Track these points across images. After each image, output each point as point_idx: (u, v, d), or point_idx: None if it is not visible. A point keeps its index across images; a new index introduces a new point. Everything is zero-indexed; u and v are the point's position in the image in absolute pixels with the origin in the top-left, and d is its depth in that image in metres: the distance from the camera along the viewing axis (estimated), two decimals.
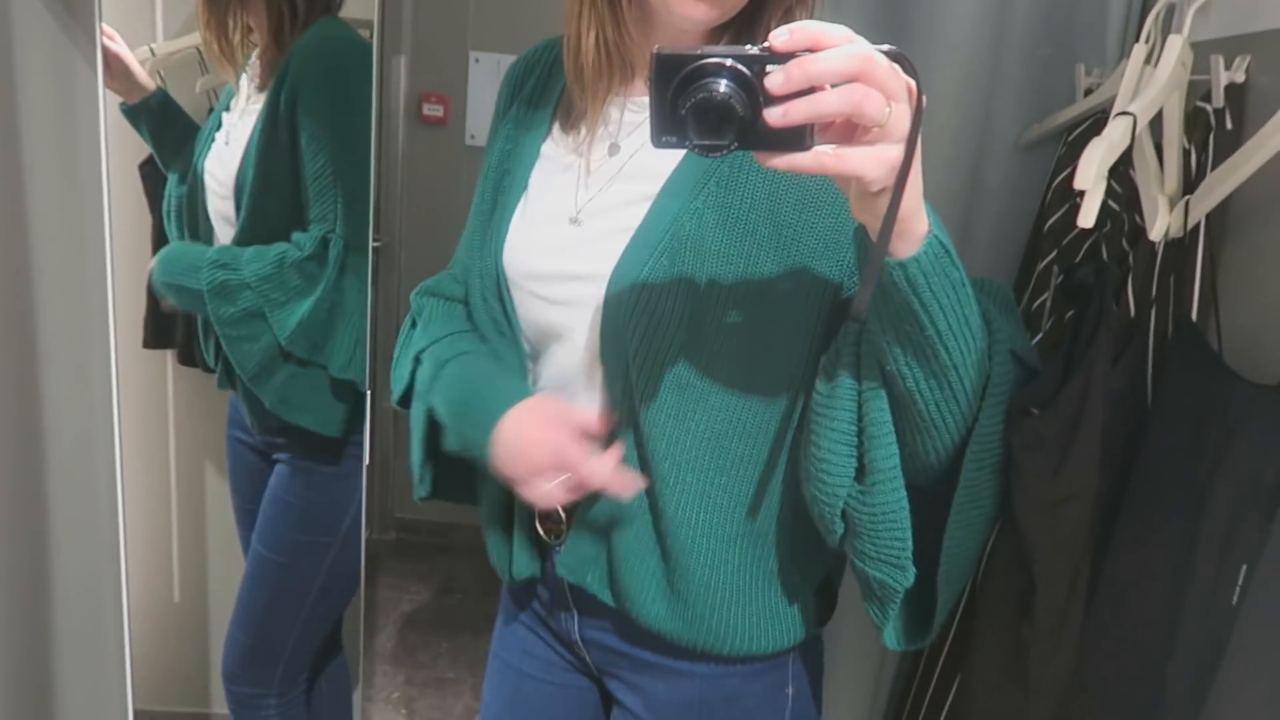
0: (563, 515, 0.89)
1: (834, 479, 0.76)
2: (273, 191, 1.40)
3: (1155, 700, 0.79)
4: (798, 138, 0.58)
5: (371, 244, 1.46)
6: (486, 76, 2.87)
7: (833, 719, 1.35)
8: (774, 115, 0.57)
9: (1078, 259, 1.11)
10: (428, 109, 2.87)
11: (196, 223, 1.49)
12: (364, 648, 1.86)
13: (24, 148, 0.96)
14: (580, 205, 0.85)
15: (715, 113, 0.58)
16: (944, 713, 1.16)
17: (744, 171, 0.80)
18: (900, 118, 0.58)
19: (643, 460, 0.85)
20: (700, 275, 0.79)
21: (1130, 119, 0.77)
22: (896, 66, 0.58)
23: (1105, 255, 1.02)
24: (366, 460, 1.52)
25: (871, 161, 0.59)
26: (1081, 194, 0.81)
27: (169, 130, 1.49)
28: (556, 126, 0.91)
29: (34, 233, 0.98)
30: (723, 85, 0.57)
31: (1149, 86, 0.81)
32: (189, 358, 1.68)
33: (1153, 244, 0.89)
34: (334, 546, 1.56)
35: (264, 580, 1.56)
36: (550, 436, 0.82)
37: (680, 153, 0.80)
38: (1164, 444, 0.81)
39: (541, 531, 0.92)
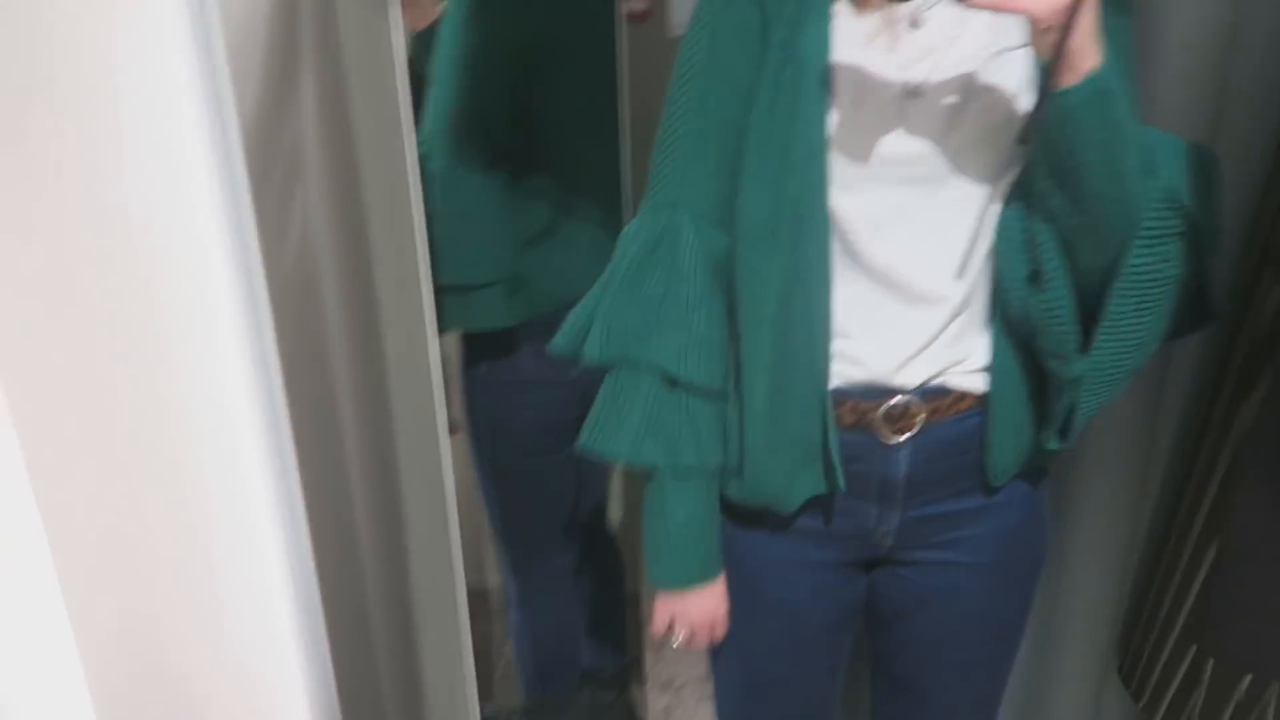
0: (921, 409, 0.95)
1: (1009, 279, 0.88)
2: None
3: None
4: None
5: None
6: None
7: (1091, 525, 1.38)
8: None
9: None
10: (631, 3, 2.90)
11: None
12: None
13: (352, 95, 1.11)
14: (914, 80, 0.87)
15: None
16: (1197, 586, 1.17)
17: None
18: None
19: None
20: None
21: None
22: None
23: None
24: None
25: (1040, 3, 0.70)
26: None
27: None
28: (842, 3, 0.88)
29: (365, 171, 1.15)
30: None
31: None
32: None
33: None
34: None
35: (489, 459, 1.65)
36: (714, 623, 1.03)
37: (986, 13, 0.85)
38: None
39: (890, 433, 0.96)
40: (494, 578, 1.94)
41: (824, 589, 1.07)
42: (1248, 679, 1.11)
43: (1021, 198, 0.88)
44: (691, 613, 1.03)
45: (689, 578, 1.02)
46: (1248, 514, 1.00)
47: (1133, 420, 1.32)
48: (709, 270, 0.94)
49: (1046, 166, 0.81)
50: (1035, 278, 0.87)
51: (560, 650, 1.85)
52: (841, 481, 0.96)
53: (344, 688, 0.87)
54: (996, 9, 0.72)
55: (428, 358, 1.30)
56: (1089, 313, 0.89)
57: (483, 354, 1.54)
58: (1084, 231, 0.84)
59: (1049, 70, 0.74)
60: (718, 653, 1.13)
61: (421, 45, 1.41)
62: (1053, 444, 0.97)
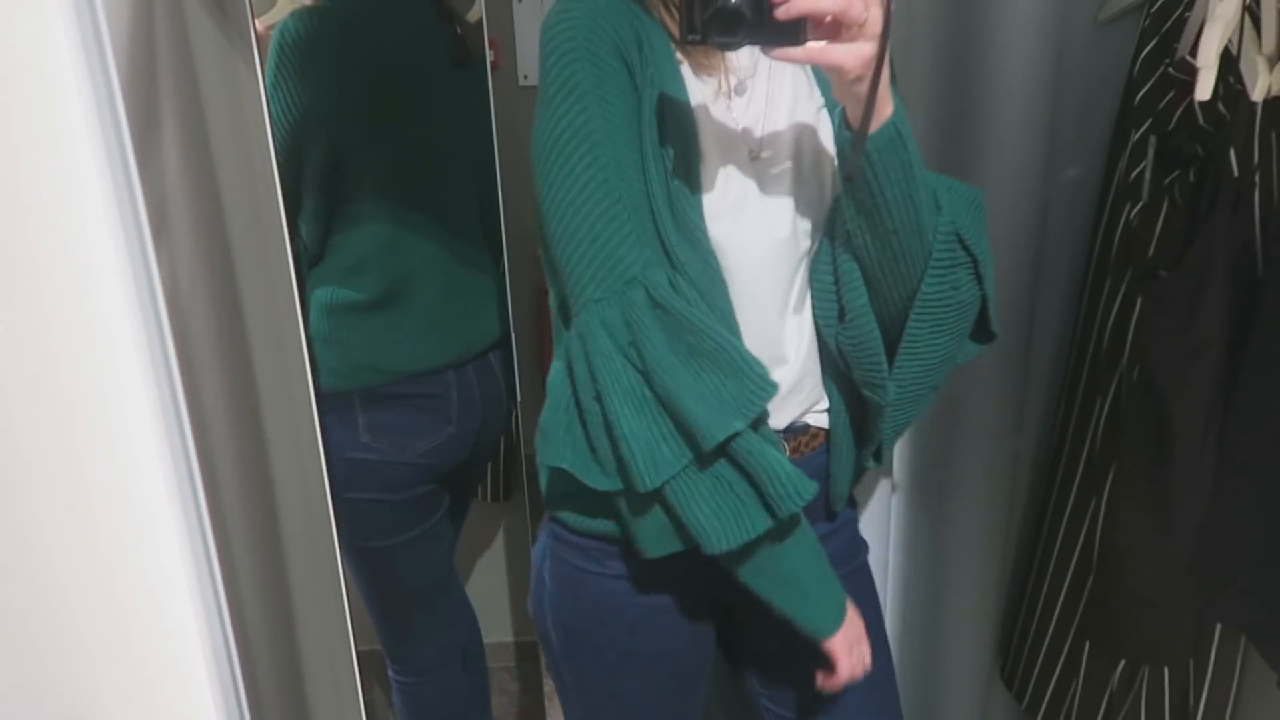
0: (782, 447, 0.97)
1: (823, 318, 0.95)
2: None
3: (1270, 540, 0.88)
4: (794, 34, 0.73)
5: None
6: (531, 17, 2.90)
7: (966, 538, 1.45)
8: (777, 12, 0.72)
9: (1171, 127, 1.16)
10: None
11: None
12: None
13: (212, 141, 1.08)
14: (753, 142, 0.92)
15: (730, 16, 0.73)
16: (1079, 546, 1.25)
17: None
18: (875, 20, 0.74)
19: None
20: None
21: None
22: None
23: (1201, 120, 1.07)
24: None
25: (850, 55, 0.75)
26: (1183, 69, 0.87)
27: None
28: (686, 71, 0.91)
29: (229, 214, 1.11)
30: None
31: None
32: None
33: (1253, 105, 0.94)
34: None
35: None
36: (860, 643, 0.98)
37: (794, 83, 0.94)
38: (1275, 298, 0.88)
39: None
40: None
41: (697, 632, 1.07)
42: (1120, 666, 1.19)
43: (826, 243, 0.94)
44: (858, 635, 0.98)
45: (843, 602, 0.96)
46: (1114, 506, 1.08)
47: (997, 436, 1.41)
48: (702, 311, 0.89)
49: (855, 206, 0.87)
50: (841, 315, 0.94)
51: None
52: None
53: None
54: (811, 63, 0.76)
55: (310, 411, 1.25)
56: (892, 344, 0.95)
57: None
58: (887, 264, 0.90)
59: (859, 118, 0.79)
60: (594, 710, 1.09)
61: None
62: (869, 464, 1.05)
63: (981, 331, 1.02)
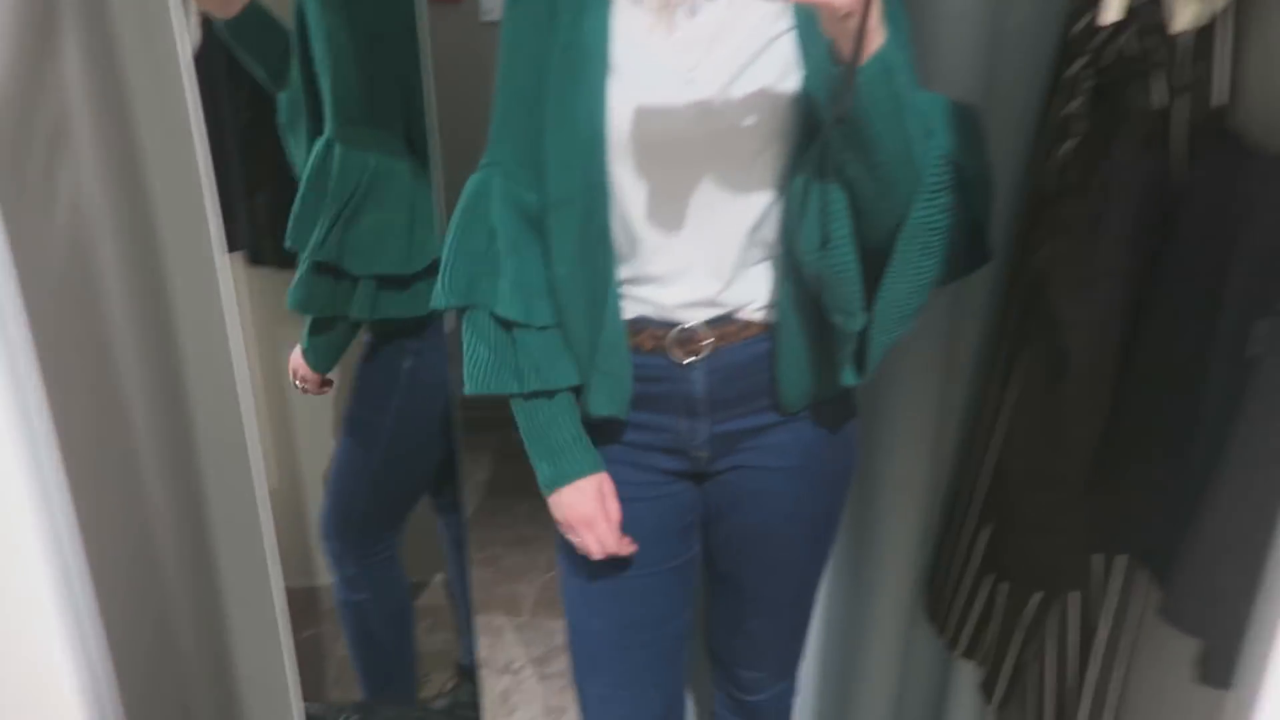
0: (708, 335, 1.07)
1: (806, 243, 0.97)
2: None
3: (1183, 450, 0.89)
4: None
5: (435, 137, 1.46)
6: None
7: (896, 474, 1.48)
8: None
9: (1106, 63, 1.14)
10: None
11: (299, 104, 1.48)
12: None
13: (123, 56, 1.03)
14: (689, 65, 0.97)
15: None
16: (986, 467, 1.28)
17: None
18: None
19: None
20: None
21: None
22: None
23: (1135, 51, 1.05)
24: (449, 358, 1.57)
25: None
26: None
27: (272, 40, 1.47)
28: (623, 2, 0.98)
29: (142, 133, 1.07)
30: None
31: None
32: (257, 257, 1.77)
33: (1184, 34, 0.93)
34: (387, 425, 1.61)
35: (340, 441, 1.67)
36: (597, 516, 1.11)
37: (757, 5, 0.96)
38: (1192, 221, 0.88)
39: (678, 355, 1.08)
40: (324, 577, 1.87)
41: (656, 494, 1.18)
42: (1034, 600, 1.21)
43: (814, 171, 0.95)
44: (565, 512, 1.13)
45: (554, 479, 1.12)
46: (1012, 429, 1.09)
47: (926, 382, 1.42)
48: (517, 223, 1.06)
49: (844, 139, 0.88)
50: (825, 242, 0.95)
51: (395, 642, 1.82)
52: (628, 396, 1.10)
53: (141, 690, 0.81)
54: (805, 0, 0.77)
55: (226, 343, 1.23)
56: (874, 271, 0.98)
57: (406, 349, 1.57)
58: (878, 195, 0.92)
59: (849, 52, 0.81)
60: (564, 560, 1.22)
61: (234, 33, 1.43)
62: (849, 379, 1.06)
63: (976, 252, 1.07)
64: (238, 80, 1.61)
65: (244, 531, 1.35)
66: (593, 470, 1.12)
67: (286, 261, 1.74)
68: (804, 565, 1.26)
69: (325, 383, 1.61)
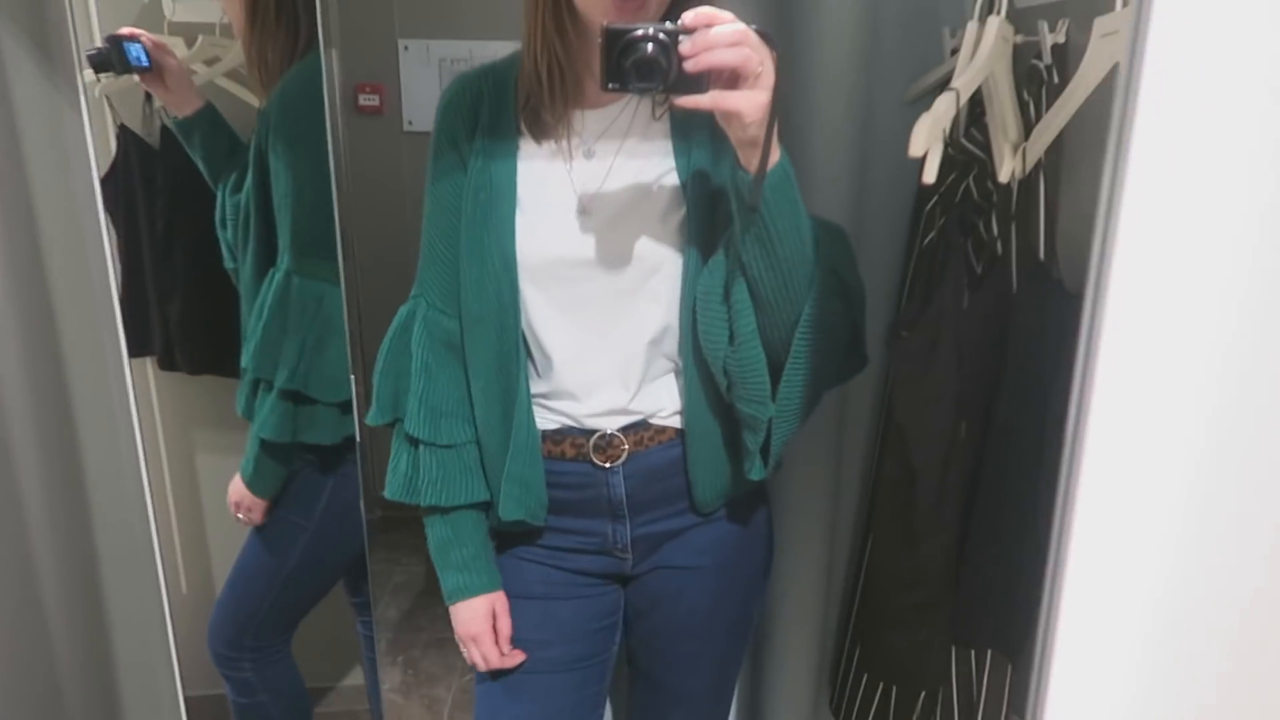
0: (624, 441, 1.15)
1: (714, 342, 1.06)
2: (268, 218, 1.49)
3: (1019, 558, 0.98)
4: (700, 85, 0.87)
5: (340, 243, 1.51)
6: (416, 63, 2.95)
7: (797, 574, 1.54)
8: (687, 65, 0.85)
9: (957, 200, 1.27)
10: (364, 99, 2.95)
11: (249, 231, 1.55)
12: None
13: (31, 180, 1.08)
14: (585, 199, 1.08)
15: (648, 65, 0.86)
16: (863, 567, 1.36)
17: (691, 138, 1.08)
18: (768, 74, 0.88)
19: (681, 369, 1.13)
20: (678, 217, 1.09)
21: (954, 94, 0.94)
22: (764, 40, 0.87)
23: (976, 196, 1.19)
24: (359, 458, 1.59)
25: (747, 102, 0.88)
26: (957, 148, 0.97)
27: (219, 141, 1.57)
28: (526, 141, 1.10)
29: (47, 254, 1.11)
30: (650, 47, 0.86)
31: (973, 63, 0.98)
32: (169, 363, 1.80)
33: (1010, 184, 1.06)
34: (308, 531, 1.63)
35: (248, 544, 1.66)
36: (483, 634, 1.18)
37: (646, 149, 1.08)
38: (1020, 353, 0.99)
39: (599, 460, 1.16)
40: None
41: (576, 594, 1.23)
42: (920, 700, 1.27)
43: (719, 275, 1.06)
44: (456, 626, 1.20)
45: (450, 593, 1.19)
46: (876, 532, 1.17)
47: (819, 489, 1.50)
48: (435, 348, 1.16)
49: (751, 238, 0.99)
50: (732, 338, 1.05)
51: None
52: (544, 506, 1.18)
53: None
54: (714, 108, 0.89)
55: (135, 452, 1.25)
56: (775, 368, 1.08)
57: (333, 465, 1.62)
58: (779, 290, 1.02)
59: (753, 160, 0.93)
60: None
61: (184, 131, 1.57)
62: (757, 474, 1.13)
63: (856, 355, 1.18)
64: (154, 191, 1.69)
65: (146, 639, 1.34)
66: (485, 590, 1.19)
67: (199, 367, 1.79)
68: (723, 660, 1.31)
69: (268, 510, 1.63)
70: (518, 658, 1.20)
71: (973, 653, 1.19)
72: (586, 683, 1.27)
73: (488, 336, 1.12)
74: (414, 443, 1.16)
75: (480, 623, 1.18)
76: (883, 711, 1.39)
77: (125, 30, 1.50)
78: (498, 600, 1.20)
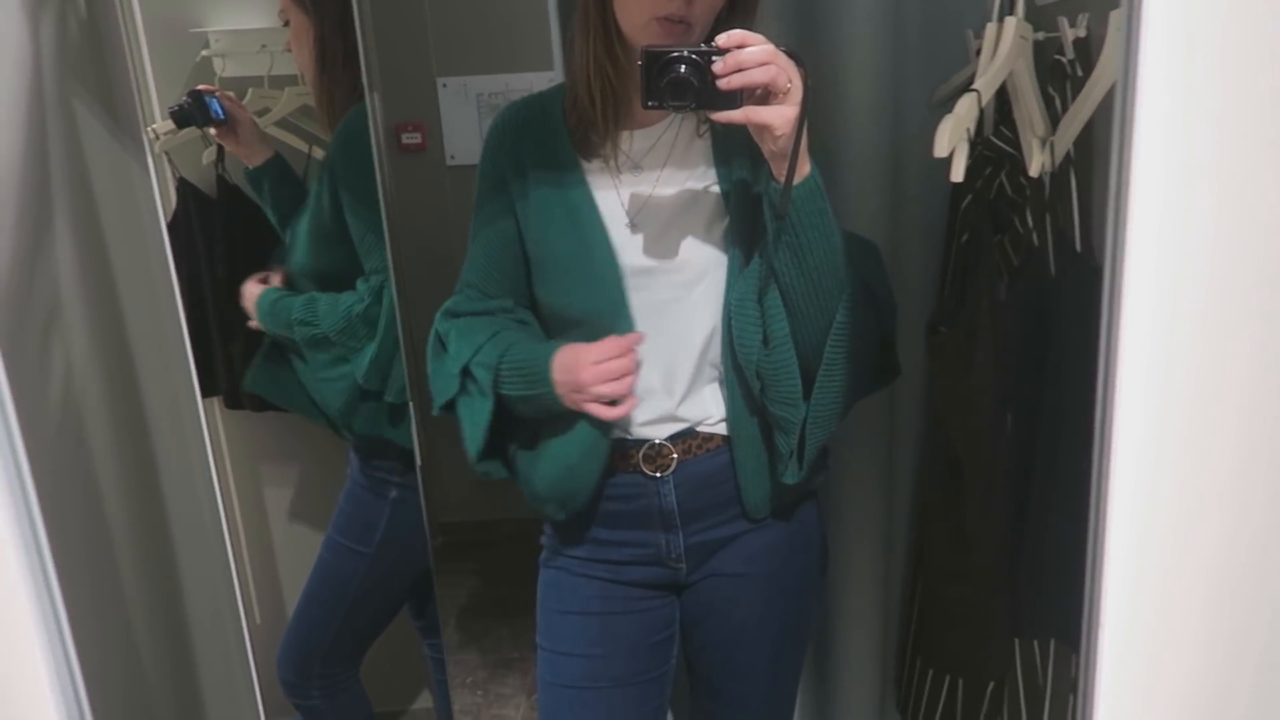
0: (673, 450, 1.17)
1: (747, 346, 1.10)
2: (331, 251, 1.56)
3: (1070, 557, 0.98)
4: (734, 101, 0.94)
5: (392, 274, 1.57)
6: (454, 99, 3.03)
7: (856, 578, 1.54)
8: (720, 83, 0.92)
9: (991, 196, 1.29)
10: (406, 138, 3.04)
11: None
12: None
13: (106, 235, 1.15)
14: (633, 212, 1.14)
15: (681, 84, 0.93)
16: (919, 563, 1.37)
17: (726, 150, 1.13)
18: (797, 89, 0.94)
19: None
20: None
21: (975, 94, 0.96)
22: (791, 59, 0.93)
23: (1010, 191, 1.20)
24: (420, 482, 1.62)
25: (777, 116, 0.95)
26: (988, 147, 0.99)
27: (286, 188, 1.66)
28: (580, 161, 1.15)
29: (124, 301, 1.17)
30: (684, 68, 0.93)
31: (994, 63, 1.00)
32: (235, 401, 1.87)
33: (1041, 178, 1.07)
34: (367, 558, 1.67)
35: (312, 574, 1.71)
36: (591, 362, 1.10)
37: (689, 163, 1.14)
38: (1063, 341, 1.00)
39: (649, 470, 1.18)
40: None
41: (633, 609, 1.25)
42: (960, 682, 1.27)
43: (753, 281, 1.10)
44: (563, 372, 1.13)
45: (536, 376, 1.15)
46: (925, 528, 1.18)
47: (876, 491, 1.51)
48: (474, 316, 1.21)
49: (784, 247, 1.03)
50: (766, 341, 1.09)
51: None
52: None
53: None
54: (746, 122, 0.95)
55: (211, 488, 1.31)
56: (807, 372, 1.11)
57: (392, 479, 1.65)
58: (810, 296, 1.06)
59: (784, 171, 0.98)
60: (543, 672, 1.27)
61: (255, 181, 1.66)
62: (789, 478, 1.15)
63: (888, 365, 1.21)
64: (213, 238, 1.76)
65: (229, 672, 1.40)
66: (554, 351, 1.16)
67: (263, 404, 1.86)
68: (780, 665, 1.32)
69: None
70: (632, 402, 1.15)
71: (1035, 643, 1.19)
72: (647, 697, 1.29)
73: (583, 337, 1.13)
74: (467, 373, 1.17)
75: (571, 352, 1.12)
76: (950, 708, 1.38)
77: (203, 86, 1.59)
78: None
